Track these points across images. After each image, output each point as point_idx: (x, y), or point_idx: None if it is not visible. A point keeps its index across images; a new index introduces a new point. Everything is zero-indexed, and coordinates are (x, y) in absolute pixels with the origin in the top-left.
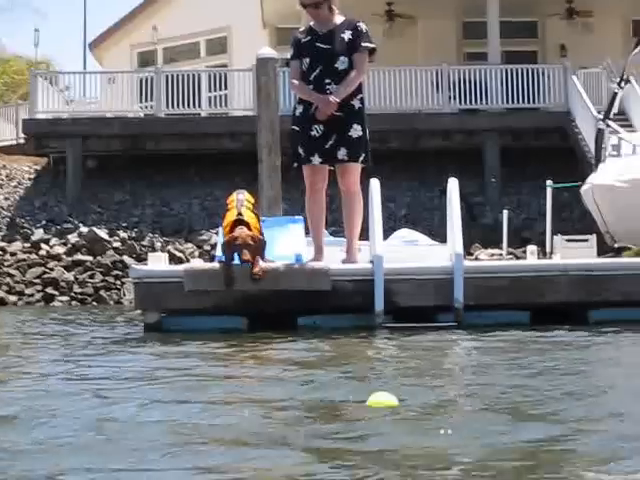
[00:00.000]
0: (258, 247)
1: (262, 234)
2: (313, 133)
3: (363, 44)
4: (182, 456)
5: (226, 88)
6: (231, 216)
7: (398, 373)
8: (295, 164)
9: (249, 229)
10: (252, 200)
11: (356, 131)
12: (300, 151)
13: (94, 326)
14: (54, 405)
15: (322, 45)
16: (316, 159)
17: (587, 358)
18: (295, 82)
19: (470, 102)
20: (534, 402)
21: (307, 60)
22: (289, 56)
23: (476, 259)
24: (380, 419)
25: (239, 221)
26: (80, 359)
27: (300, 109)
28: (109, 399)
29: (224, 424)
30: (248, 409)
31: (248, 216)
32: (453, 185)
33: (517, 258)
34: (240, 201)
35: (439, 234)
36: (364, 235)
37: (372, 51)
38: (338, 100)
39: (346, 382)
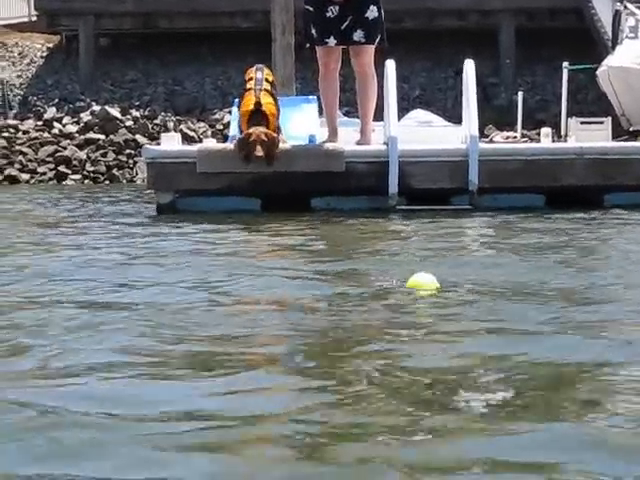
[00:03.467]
0: (272, 144)
1: (279, 118)
2: (328, 14)
3: None
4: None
5: None
6: (249, 103)
7: (417, 256)
8: (307, 45)
9: (267, 122)
10: (271, 78)
11: (372, 12)
12: (313, 31)
13: (108, 205)
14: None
15: None
16: (331, 40)
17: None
18: None
19: None
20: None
21: None
22: None
23: (491, 141)
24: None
25: (257, 113)
26: (96, 242)
27: None
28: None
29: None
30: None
31: (266, 103)
32: (469, 67)
33: (531, 140)
34: (259, 81)
35: (453, 115)
36: (378, 116)
37: None
38: None
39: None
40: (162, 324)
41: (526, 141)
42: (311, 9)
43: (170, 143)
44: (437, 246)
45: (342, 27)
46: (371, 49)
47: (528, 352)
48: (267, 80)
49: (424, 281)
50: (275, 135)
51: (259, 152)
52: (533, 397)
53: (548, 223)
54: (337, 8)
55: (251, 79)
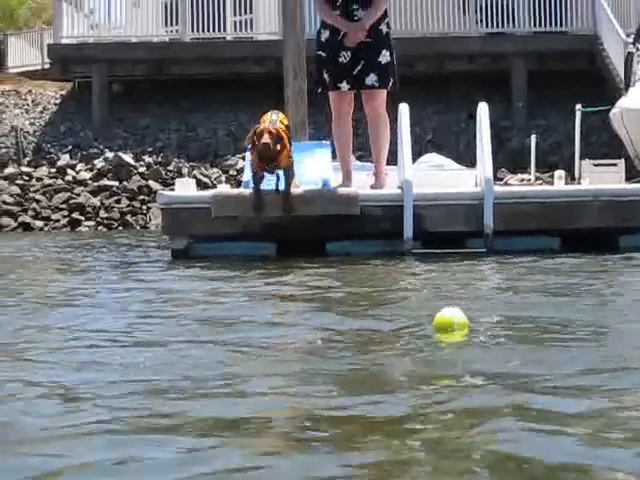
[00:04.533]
0: (278, 138)
1: (291, 154)
2: (341, 59)
3: None
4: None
5: (251, 12)
6: (261, 126)
7: (435, 298)
8: (320, 90)
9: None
10: (286, 122)
11: (385, 57)
12: (325, 76)
13: (124, 251)
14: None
15: None
16: (344, 85)
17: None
18: (321, 6)
19: (497, 25)
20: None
21: None
22: None
23: (505, 184)
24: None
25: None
26: (114, 284)
27: (326, 34)
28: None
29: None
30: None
31: (279, 128)
32: (483, 110)
33: (545, 183)
34: (273, 122)
35: (466, 158)
36: (392, 160)
37: None
38: (367, 27)
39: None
40: (179, 380)
41: (540, 184)
42: (324, 54)
43: (185, 188)
44: (455, 289)
45: (355, 72)
46: (383, 93)
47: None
48: (282, 122)
49: (453, 315)
50: (282, 129)
51: (266, 139)
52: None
53: (564, 265)
54: (349, 53)
55: (265, 121)
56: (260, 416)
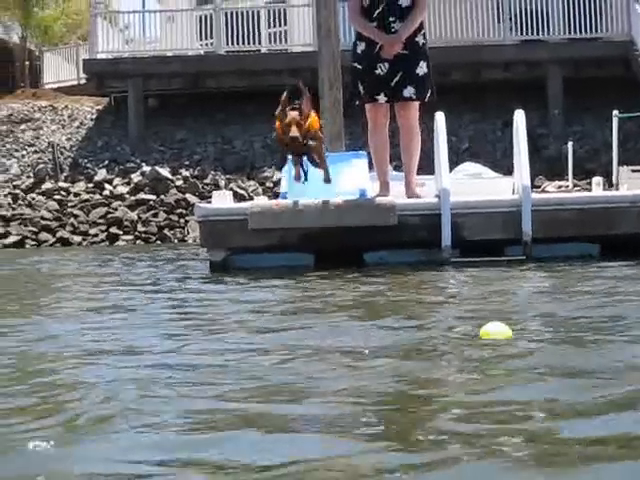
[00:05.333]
0: (305, 128)
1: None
2: (378, 71)
3: None
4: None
5: (285, 24)
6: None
7: (480, 307)
8: (356, 102)
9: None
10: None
11: (422, 68)
12: (361, 89)
13: (162, 264)
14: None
15: None
16: (381, 97)
17: None
18: (357, 18)
19: (531, 33)
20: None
21: None
22: None
23: (543, 191)
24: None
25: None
26: (154, 296)
27: (362, 46)
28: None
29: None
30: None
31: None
32: (520, 117)
33: (583, 190)
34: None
35: (502, 167)
36: (429, 169)
37: None
38: (403, 39)
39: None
40: (237, 389)
41: (578, 190)
42: (359, 66)
43: (222, 201)
44: (497, 297)
45: (392, 84)
46: (417, 104)
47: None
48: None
49: (498, 330)
50: (312, 114)
51: (294, 132)
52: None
53: (606, 271)
54: (386, 65)
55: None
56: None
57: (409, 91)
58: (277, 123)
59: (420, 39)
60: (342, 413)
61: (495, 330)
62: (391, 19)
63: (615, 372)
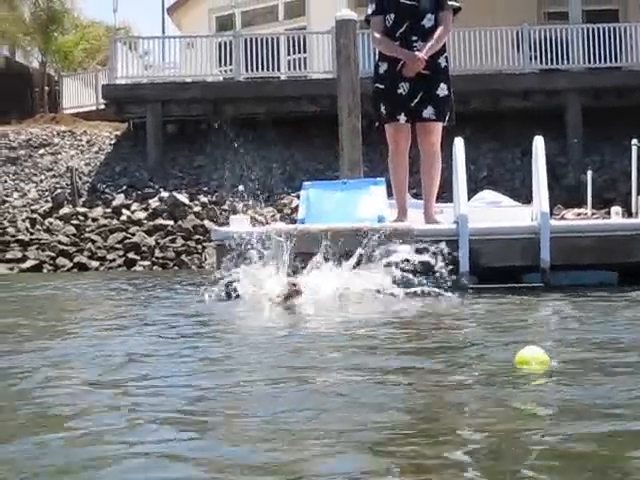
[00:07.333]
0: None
1: None
2: (400, 91)
3: (449, 2)
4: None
5: (305, 51)
6: None
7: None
8: (377, 124)
9: None
10: None
11: (443, 90)
12: (383, 109)
13: (180, 289)
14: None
15: (407, 1)
16: (402, 117)
17: None
18: (379, 37)
19: (551, 62)
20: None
21: (392, 16)
22: (369, 11)
23: (562, 218)
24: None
25: None
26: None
27: (384, 66)
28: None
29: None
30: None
31: None
32: (539, 143)
33: (602, 219)
34: None
35: (521, 195)
36: (448, 197)
37: (456, 10)
38: (426, 57)
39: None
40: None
41: (597, 218)
42: (382, 87)
43: (239, 225)
44: (521, 324)
45: (412, 104)
46: (439, 128)
47: None
48: None
49: (535, 355)
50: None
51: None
52: None
53: (625, 299)
54: (408, 85)
55: None
56: None
57: (428, 112)
58: None
59: (442, 61)
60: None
61: (531, 355)
62: (414, 38)
63: None
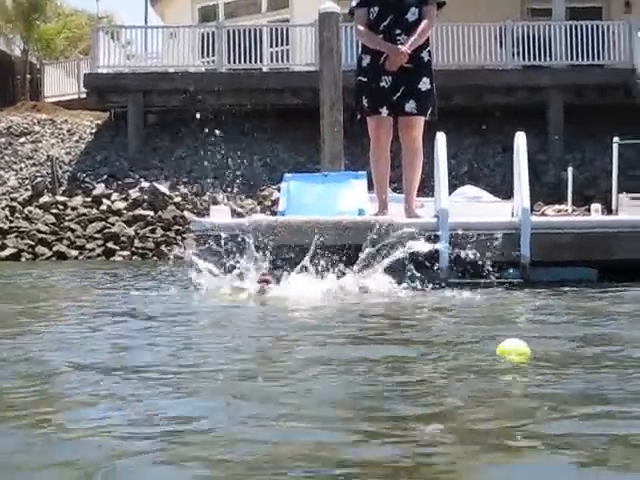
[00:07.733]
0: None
1: None
2: (382, 84)
3: None
4: None
5: (288, 43)
6: None
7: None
8: (359, 116)
9: None
10: None
11: (425, 84)
12: (365, 102)
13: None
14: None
15: None
16: (384, 111)
17: None
18: (363, 30)
19: (534, 58)
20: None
21: (376, 9)
22: (353, 4)
23: (542, 215)
24: None
25: None
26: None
27: (367, 59)
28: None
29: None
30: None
31: None
32: (521, 139)
33: (582, 216)
34: None
35: (501, 191)
36: (428, 192)
37: (440, 5)
38: (409, 51)
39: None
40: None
41: (577, 215)
42: (364, 80)
43: (220, 216)
44: (500, 318)
45: (394, 98)
46: (421, 122)
47: None
48: None
49: (516, 347)
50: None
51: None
52: None
53: (604, 296)
54: (390, 78)
55: None
56: None
57: (410, 105)
58: None
59: (425, 55)
60: None
61: (512, 347)
62: (397, 32)
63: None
